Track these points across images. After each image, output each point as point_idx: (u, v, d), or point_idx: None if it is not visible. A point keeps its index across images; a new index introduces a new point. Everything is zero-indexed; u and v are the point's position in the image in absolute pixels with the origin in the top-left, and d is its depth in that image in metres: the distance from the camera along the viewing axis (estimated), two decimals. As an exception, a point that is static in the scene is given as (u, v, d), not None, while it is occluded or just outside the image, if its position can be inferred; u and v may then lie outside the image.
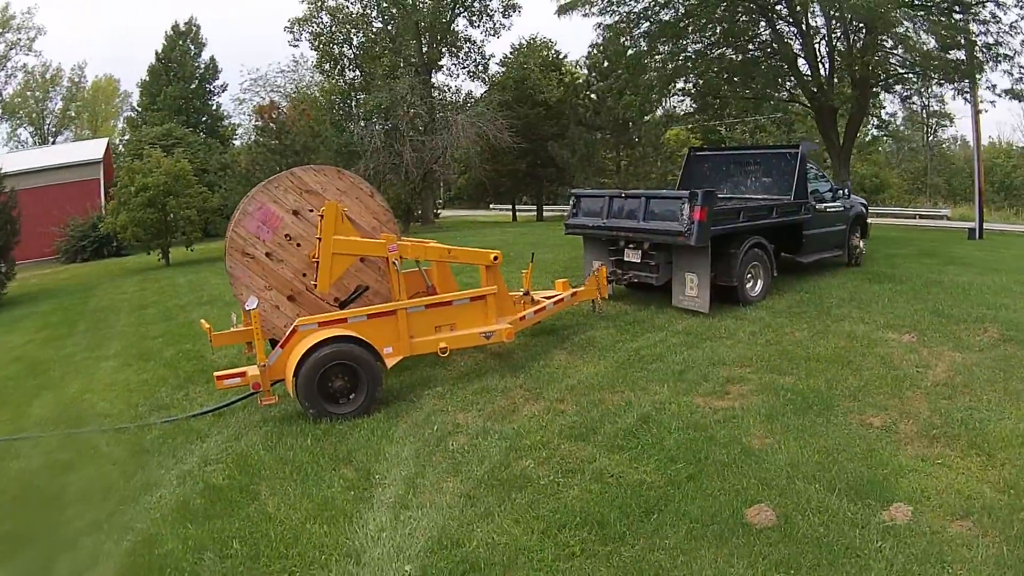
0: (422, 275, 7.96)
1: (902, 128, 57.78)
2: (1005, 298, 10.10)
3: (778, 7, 20.30)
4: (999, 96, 19.94)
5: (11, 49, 51.90)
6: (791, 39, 21.21)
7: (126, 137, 48.11)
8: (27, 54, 52.13)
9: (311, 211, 7.17)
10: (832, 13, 19.67)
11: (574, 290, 8.85)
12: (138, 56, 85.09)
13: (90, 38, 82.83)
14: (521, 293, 8.34)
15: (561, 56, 37.27)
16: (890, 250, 15.96)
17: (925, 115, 54.83)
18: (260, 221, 7.05)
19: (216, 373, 6.69)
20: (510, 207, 42.15)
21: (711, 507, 4.37)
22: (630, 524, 4.24)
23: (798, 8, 19.01)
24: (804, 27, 20.66)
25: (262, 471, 5.44)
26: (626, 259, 9.86)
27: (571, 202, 10.80)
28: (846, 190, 12.79)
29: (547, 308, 8.27)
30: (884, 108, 26.91)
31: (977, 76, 19.58)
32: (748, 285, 9.75)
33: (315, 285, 6.85)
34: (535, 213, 39.80)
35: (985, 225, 23.26)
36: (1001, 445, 5.09)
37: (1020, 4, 18.37)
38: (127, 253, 31.09)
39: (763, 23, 20.92)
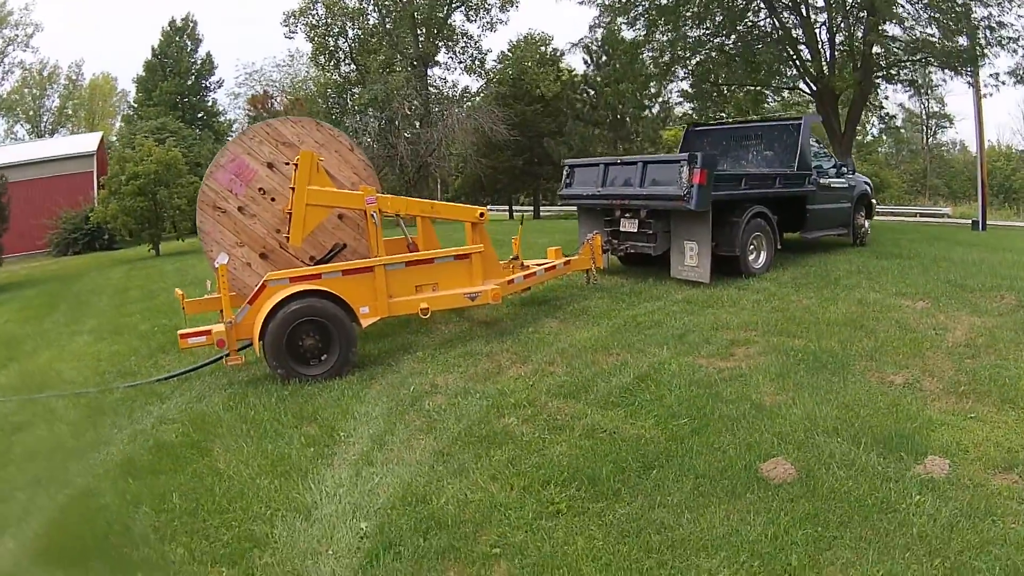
0: (403, 232, 7.45)
1: (903, 130, 57.69)
2: (1018, 270, 9.65)
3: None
4: (1002, 83, 19.58)
5: (8, 45, 51.50)
6: (792, 25, 20.77)
7: (120, 132, 47.76)
8: (24, 50, 51.61)
9: (287, 164, 6.67)
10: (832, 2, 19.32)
11: (567, 258, 8.34)
12: (136, 53, 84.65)
13: (88, 35, 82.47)
14: (511, 259, 7.84)
15: (559, 53, 36.86)
16: (895, 235, 15.49)
17: (925, 116, 54.86)
18: (233, 174, 6.55)
19: (180, 331, 6.18)
20: (507, 207, 41.65)
21: (720, 462, 3.85)
22: (626, 480, 3.72)
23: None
24: (805, 12, 20.25)
25: (218, 429, 4.93)
26: (622, 229, 9.33)
27: (565, 172, 10.29)
28: (850, 167, 12.30)
29: (537, 274, 7.76)
30: (887, 98, 26.41)
31: (979, 63, 19.19)
32: (751, 256, 9.24)
33: (287, 239, 6.34)
34: (532, 212, 39.31)
35: (989, 220, 22.90)
36: None
37: None
38: (119, 246, 30.65)
39: (762, 6, 20.45)
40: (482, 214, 7.14)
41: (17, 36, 52.00)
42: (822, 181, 11.00)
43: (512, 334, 7.00)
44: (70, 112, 61.81)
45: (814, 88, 21.31)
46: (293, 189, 6.23)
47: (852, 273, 9.36)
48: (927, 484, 3.55)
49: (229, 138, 42.37)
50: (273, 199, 6.66)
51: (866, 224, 12.63)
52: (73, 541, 3.58)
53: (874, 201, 13.86)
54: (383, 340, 7.10)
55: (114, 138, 46.98)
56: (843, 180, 11.78)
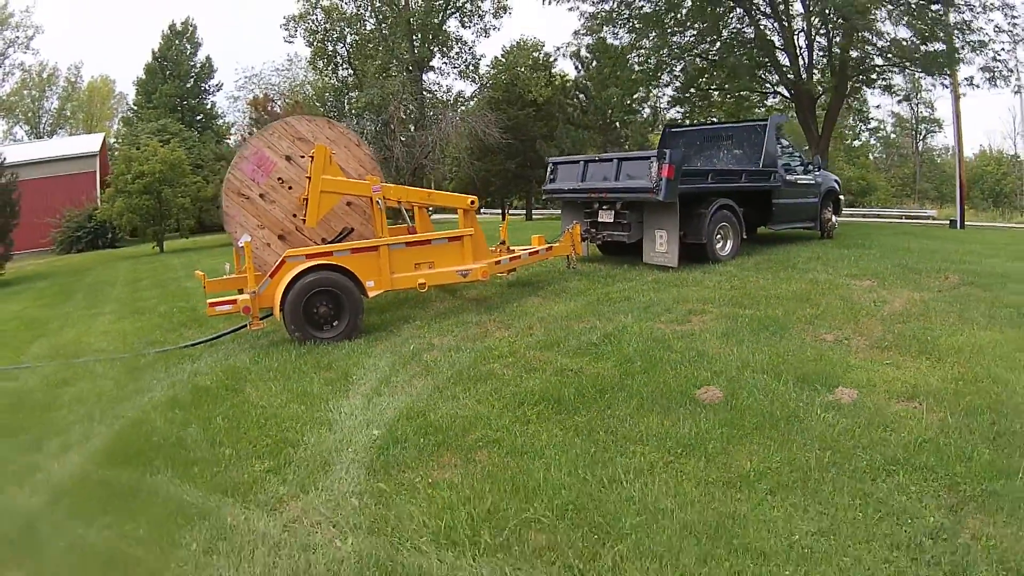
0: (404, 216, 8.39)
1: (893, 134, 58.83)
2: (971, 256, 10.66)
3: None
4: (976, 86, 20.60)
5: (9, 47, 52.24)
6: (771, 30, 21.73)
7: (118, 133, 48.56)
8: (25, 52, 52.33)
9: (302, 157, 7.59)
10: (811, 8, 20.26)
11: (549, 245, 9.28)
12: (133, 56, 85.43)
13: (86, 37, 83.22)
14: (499, 244, 8.78)
15: (552, 59, 37.84)
16: (868, 231, 16.49)
17: (915, 121, 55.91)
18: (255, 165, 7.46)
19: (208, 300, 7.09)
20: (499, 211, 42.58)
21: (662, 389, 4.78)
22: (584, 401, 4.66)
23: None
24: (783, 18, 21.22)
25: (248, 376, 5.85)
26: (600, 220, 10.30)
27: (549, 168, 11.25)
28: (818, 165, 13.26)
29: (522, 257, 8.70)
30: (878, 106, 27.62)
31: (956, 66, 20.15)
32: (718, 245, 10.20)
33: (304, 222, 7.27)
34: (525, 214, 40.24)
35: (970, 221, 23.86)
36: (952, 352, 5.46)
37: None
38: (120, 245, 31.48)
39: (741, 13, 21.40)
40: (473, 201, 8.08)
41: (18, 38, 52.78)
42: (789, 177, 11.94)
43: (499, 308, 7.93)
44: (68, 114, 62.57)
45: (792, 92, 22.35)
46: (309, 179, 7.15)
47: (811, 259, 10.30)
48: (833, 405, 4.46)
49: (228, 140, 43.32)
50: (290, 187, 7.58)
51: (833, 218, 13.59)
52: (133, 450, 4.48)
53: (842, 197, 14.83)
54: (385, 313, 8.02)
55: (112, 139, 47.79)
56: (810, 177, 12.72)
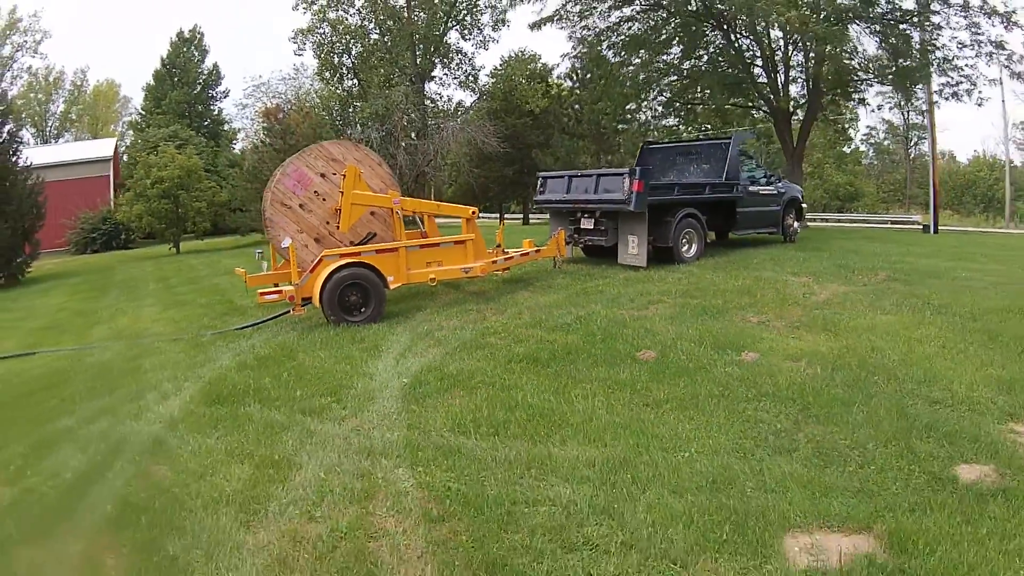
0: (418, 224, 10.09)
1: (887, 140, 60.65)
2: (910, 257, 12.41)
3: (736, 21, 22.49)
4: (945, 99, 22.31)
5: (17, 51, 53.94)
6: (748, 51, 23.34)
7: (128, 140, 50.15)
8: (33, 56, 54.09)
9: (335, 175, 9.27)
10: (789, 33, 21.95)
11: (538, 248, 10.98)
12: (137, 59, 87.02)
13: (91, 40, 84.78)
14: (495, 247, 10.48)
15: (549, 68, 39.58)
16: (838, 236, 18.25)
17: (905, 128, 57.57)
18: (296, 180, 9.14)
19: (259, 291, 8.76)
20: (498, 216, 44.31)
21: (612, 352, 6.49)
22: (554, 359, 6.35)
23: (738, 20, 20.97)
24: (763, 40, 22.85)
25: (298, 348, 7.53)
26: (582, 226, 12.02)
27: (539, 182, 12.97)
28: (779, 177, 14.97)
29: (515, 258, 10.41)
30: (849, 116, 29.11)
31: (927, 82, 21.74)
32: (683, 248, 11.90)
33: (338, 227, 8.96)
34: (522, 219, 41.98)
35: (955, 227, 25.43)
36: (849, 330, 7.09)
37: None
38: (133, 246, 33.09)
39: (719, 35, 22.99)
40: (474, 212, 9.78)
41: (26, 42, 54.48)
42: (752, 188, 13.65)
43: (495, 299, 9.63)
44: (74, 117, 64.17)
45: (768, 107, 24.08)
46: (342, 193, 8.83)
47: (764, 260, 12.00)
48: (736, 362, 6.13)
49: (235, 145, 45.00)
50: (324, 199, 9.25)
51: (795, 225, 15.30)
52: (223, 395, 6.12)
53: (804, 205, 16.56)
54: (402, 303, 9.70)
55: (120, 143, 49.38)
56: (772, 187, 14.43)
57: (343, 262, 8.54)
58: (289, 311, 8.89)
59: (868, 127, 61.62)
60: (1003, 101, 44.70)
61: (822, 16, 20.16)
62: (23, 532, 3.93)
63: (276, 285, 9.14)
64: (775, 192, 14.46)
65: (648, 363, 6.14)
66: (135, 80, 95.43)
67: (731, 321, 7.71)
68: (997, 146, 55.33)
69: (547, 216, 15.74)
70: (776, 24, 19.08)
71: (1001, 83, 30.99)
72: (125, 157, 42.03)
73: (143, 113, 48.70)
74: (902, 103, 34.78)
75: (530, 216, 40.76)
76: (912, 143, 58.98)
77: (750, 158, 14.86)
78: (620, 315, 8.10)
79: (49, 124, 61.02)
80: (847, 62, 21.75)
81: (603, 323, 7.64)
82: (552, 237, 11.29)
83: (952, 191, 57.05)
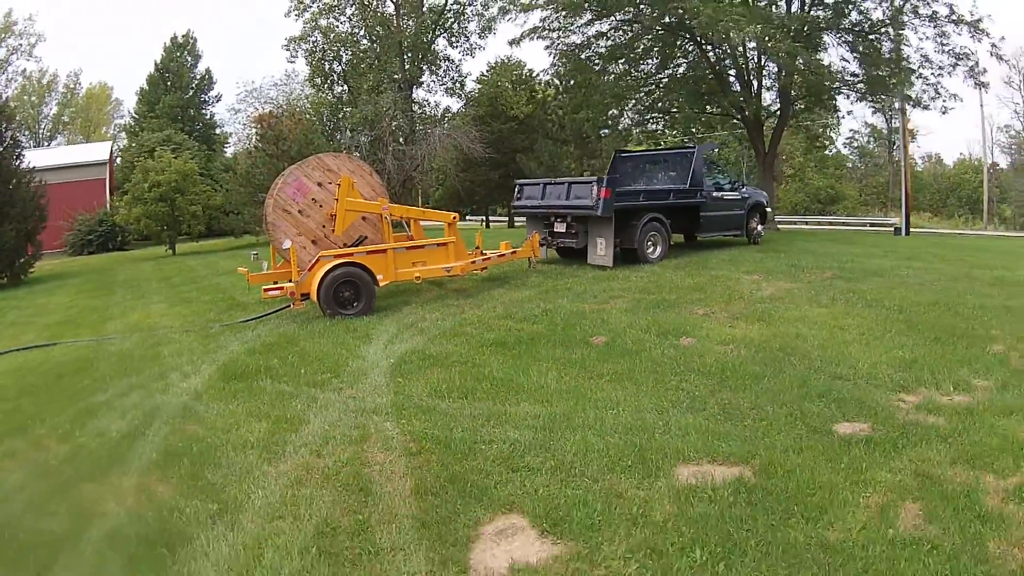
0: (405, 228, 11.18)
1: (873, 144, 62.00)
2: (861, 258, 13.55)
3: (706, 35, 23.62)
4: (912, 107, 23.59)
5: (12, 54, 54.59)
6: (723, 60, 24.46)
7: (121, 144, 50.92)
8: (27, 60, 54.72)
9: (330, 183, 10.32)
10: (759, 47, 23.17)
11: (514, 249, 12.08)
12: (126, 61, 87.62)
13: (81, 43, 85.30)
14: (475, 248, 11.57)
15: (534, 75, 40.70)
16: (804, 239, 19.45)
17: (888, 131, 58.81)
18: (295, 188, 10.19)
19: (264, 287, 9.82)
20: (483, 218, 45.43)
21: (569, 337, 7.59)
22: (519, 344, 7.45)
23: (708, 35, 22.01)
24: (735, 51, 24.00)
25: (299, 336, 8.59)
26: (555, 230, 13.15)
27: (516, 189, 14.10)
28: (743, 183, 16.14)
29: (492, 259, 11.52)
30: (814, 122, 30.30)
31: (900, 89, 22.88)
32: (648, 250, 13.03)
33: (333, 231, 10.04)
34: (507, 222, 43.12)
35: (932, 230, 26.51)
36: (782, 320, 8.18)
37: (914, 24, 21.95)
38: (129, 248, 33.95)
39: (693, 47, 24.14)
40: (455, 217, 10.88)
41: (21, 45, 55.13)
42: (716, 194, 14.80)
43: (473, 296, 10.73)
44: (67, 120, 64.82)
45: (740, 116, 25.28)
46: (337, 200, 9.90)
47: (723, 261, 13.14)
48: (673, 346, 7.23)
49: (227, 149, 45.91)
50: (321, 206, 10.30)
51: (759, 228, 16.46)
52: (237, 373, 7.17)
53: (768, 210, 17.74)
54: (390, 299, 10.77)
55: (113, 145, 50.12)
56: (736, 193, 15.59)
57: (338, 262, 9.61)
58: (289, 306, 9.96)
59: (851, 130, 63.11)
60: (981, 105, 46.34)
61: (787, 32, 21.40)
62: (84, 473, 4.97)
63: (276, 283, 10.19)
64: (739, 197, 15.61)
65: (598, 346, 7.25)
66: (126, 82, 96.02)
67: (679, 313, 8.83)
68: (982, 149, 56.53)
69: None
70: (739, 38, 20.19)
71: (980, 87, 32.42)
72: (119, 160, 42.82)
73: (136, 117, 49.51)
74: (874, 110, 35.95)
75: (515, 220, 41.91)
76: (895, 147, 59.90)
77: (715, 166, 16.01)
78: (582, 308, 9.22)
79: (42, 127, 61.63)
80: (812, 76, 22.94)
81: (566, 315, 8.76)
82: (527, 240, 12.40)
83: (937, 194, 58.35)
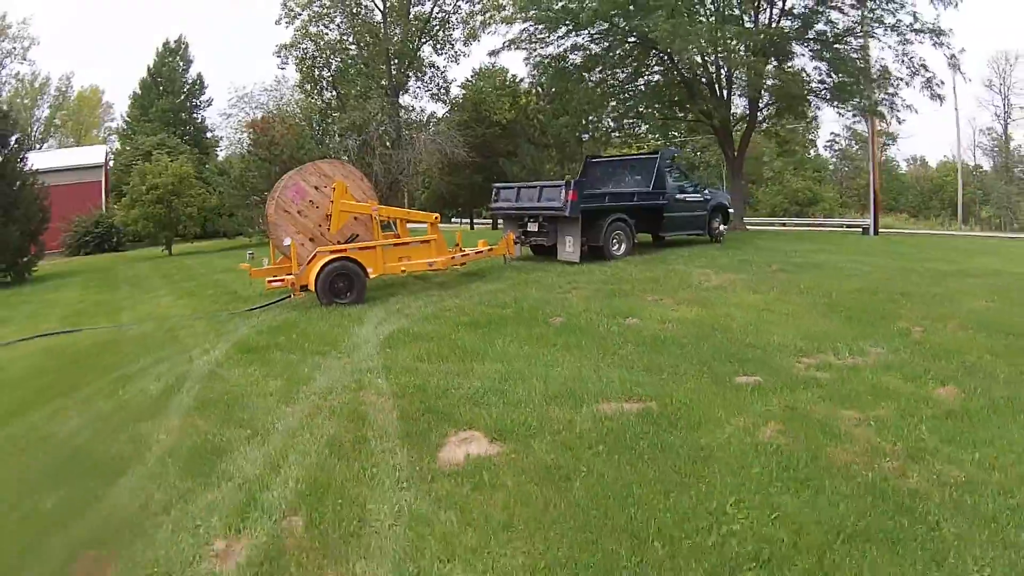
0: (392, 227, 12.52)
1: (857, 147, 63.57)
2: (812, 254, 14.99)
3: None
4: (874, 114, 25.03)
5: (6, 57, 55.30)
6: (697, 70, 25.74)
7: (113, 146, 51.83)
8: (21, 63, 55.36)
9: (326, 187, 11.62)
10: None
11: (490, 247, 13.43)
12: (116, 63, 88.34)
13: (72, 46, 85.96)
14: (455, 246, 12.90)
15: (518, 80, 42.08)
16: (767, 237, 20.91)
17: (869, 133, 60.14)
18: (295, 192, 11.48)
19: (268, 279, 11.11)
20: (468, 220, 46.72)
21: (532, 319, 8.94)
22: (489, 324, 8.77)
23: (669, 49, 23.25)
24: (704, 61, 25.30)
25: (300, 321, 9.89)
26: (529, 229, 14.53)
27: (494, 192, 15.46)
28: (705, 186, 17.59)
29: (471, 255, 12.86)
30: (784, 127, 31.55)
31: (865, 99, 24.25)
32: (613, 247, 14.41)
33: (328, 229, 11.34)
34: (491, 224, 44.46)
35: (907, 230, 27.74)
36: (718, 305, 9.55)
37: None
38: (123, 248, 35.01)
39: (664, 58, 25.38)
40: (437, 217, 12.23)
41: (15, 48, 55.84)
42: (679, 196, 16.21)
43: (452, 287, 12.06)
44: (59, 123, 65.55)
45: (710, 122, 26.67)
46: (332, 202, 11.22)
47: (682, 257, 14.55)
48: (620, 324, 8.57)
49: (218, 152, 47.01)
50: (317, 207, 11.59)
51: (721, 227, 17.88)
52: (250, 347, 8.46)
53: (731, 211, 19.17)
54: (379, 290, 12.08)
55: (106, 148, 51.03)
56: (699, 195, 16.99)
57: (333, 257, 10.93)
58: (290, 296, 11.27)
59: (832, 133, 64.78)
60: (956, 109, 47.95)
61: (754, 44, 22.87)
62: (135, 417, 6.24)
63: (274, 277, 11.47)
64: (701, 199, 17.03)
65: (555, 325, 8.61)
66: (116, 85, 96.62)
67: (631, 300, 10.19)
68: (965, 151, 57.86)
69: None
70: (694, 50, 21.46)
71: (955, 91, 34.03)
72: (112, 163, 43.76)
73: (128, 121, 50.46)
74: (839, 114, 37.21)
75: (498, 222, 43.24)
76: (880, 149, 61.16)
77: (679, 170, 17.43)
78: (547, 297, 10.58)
79: (34, 129, 62.22)
80: (780, 86, 24.37)
81: (532, 302, 10.11)
82: (503, 239, 13.76)
83: (920, 196, 60.09)
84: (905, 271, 12.83)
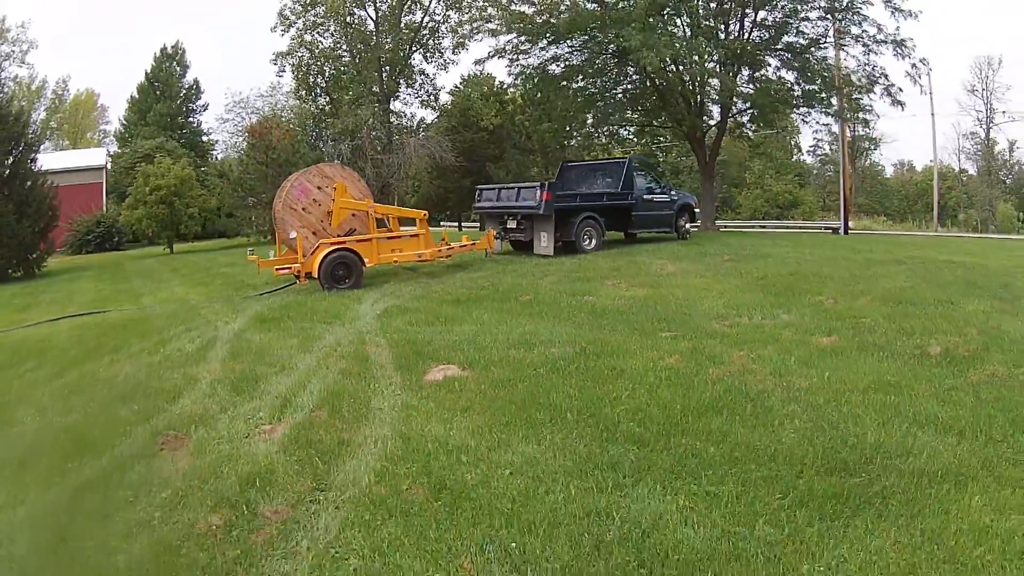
0: (386, 223, 14.13)
1: (836, 152, 65.21)
2: (764, 248, 16.57)
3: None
4: (836, 120, 26.77)
5: (4, 60, 56.40)
6: (664, 80, 27.33)
7: (110, 150, 53.15)
8: (20, 66, 56.39)
9: (327, 187, 13.20)
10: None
11: (473, 242, 15.07)
12: (111, 67, 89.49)
13: (69, 49, 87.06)
14: (441, 240, 14.52)
15: (504, 86, 43.74)
16: (732, 236, 22.61)
17: (853, 140, 61.80)
18: (300, 191, 13.06)
19: (276, 267, 12.71)
20: (456, 223, 48.34)
21: (505, 297, 10.58)
22: (469, 301, 10.40)
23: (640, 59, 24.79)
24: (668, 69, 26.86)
25: (307, 301, 11.46)
26: (508, 226, 16.18)
27: (477, 193, 17.13)
28: (671, 187, 19.29)
29: (455, 248, 14.50)
30: (752, 132, 33.10)
31: (826, 105, 25.96)
32: (584, 242, 16.07)
33: (329, 224, 12.95)
34: (479, 226, 46.08)
35: (881, 231, 29.02)
36: (666, 286, 11.11)
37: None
38: (124, 248, 36.38)
39: (635, 68, 26.95)
40: (425, 214, 13.88)
41: (13, 52, 56.93)
42: (646, 196, 17.86)
43: (439, 277, 13.68)
44: (55, 126, 66.62)
45: (683, 128, 28.23)
46: (333, 200, 12.82)
47: (646, 252, 16.15)
48: (579, 301, 10.12)
49: (212, 155, 48.43)
50: (320, 205, 13.17)
51: (687, 225, 19.48)
52: (265, 319, 10.03)
53: (697, 211, 20.85)
54: (374, 278, 13.69)
55: (106, 151, 52.31)
56: (666, 196, 18.66)
57: (334, 247, 12.54)
58: (295, 282, 12.86)
59: (815, 139, 66.50)
60: (932, 114, 49.59)
61: (719, 55, 24.62)
62: (179, 364, 7.79)
63: (277, 267, 13.05)
64: (668, 199, 18.68)
65: (525, 302, 10.25)
66: (109, 87, 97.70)
67: (593, 284, 11.82)
68: (950, 156, 58.90)
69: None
70: (658, 60, 22.87)
71: (931, 95, 35.83)
72: (109, 166, 45.06)
73: (126, 124, 51.78)
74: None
75: (485, 224, 44.82)
76: (861, 154, 62.56)
77: (648, 172, 19.09)
78: (521, 282, 12.22)
79: (31, 132, 63.10)
80: (752, 94, 26.06)
81: (507, 285, 11.76)
82: (484, 235, 15.40)
83: (904, 199, 61.75)
84: (842, 259, 14.43)
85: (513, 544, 3.13)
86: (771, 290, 10.56)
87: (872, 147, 62.49)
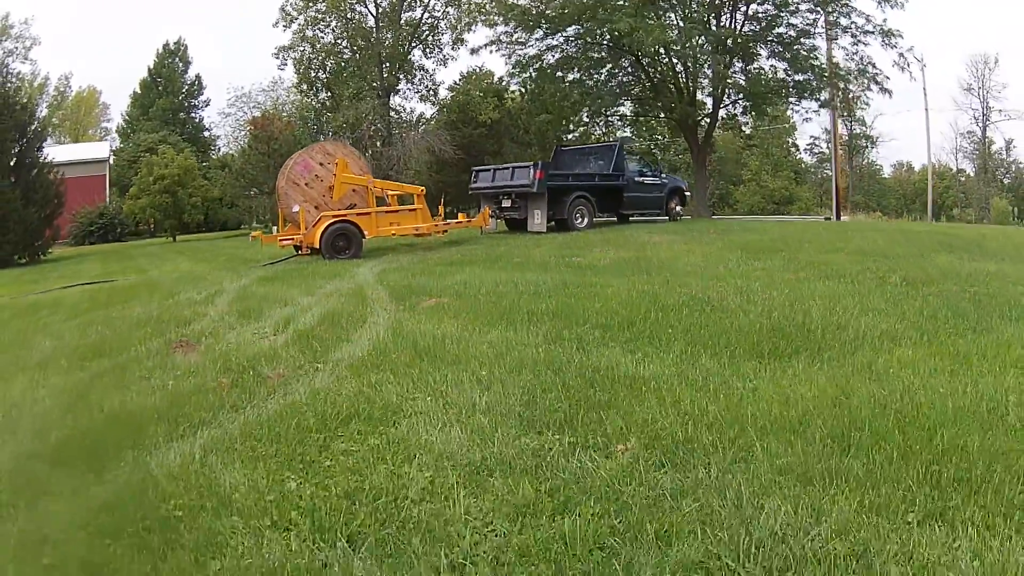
0: (384, 202, 14.72)
1: (833, 148, 65.67)
2: (750, 225, 17.25)
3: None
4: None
5: (8, 57, 56.86)
6: (657, 69, 27.84)
7: (113, 145, 53.74)
8: (23, 63, 56.90)
9: (329, 164, 13.77)
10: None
11: (469, 219, 15.66)
12: (111, 62, 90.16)
13: (69, 46, 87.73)
14: (438, 216, 15.10)
15: (502, 83, 44.32)
16: (730, 221, 23.20)
17: (848, 137, 62.37)
18: (303, 167, 13.64)
19: (279, 238, 13.28)
20: (457, 217, 48.97)
21: (500, 261, 11.16)
22: (462, 263, 11.00)
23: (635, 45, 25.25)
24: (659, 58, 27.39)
25: (310, 267, 12.06)
26: (503, 205, 16.77)
27: (472, 175, 17.72)
28: (662, 170, 19.88)
29: (452, 224, 15.09)
30: (745, 122, 33.59)
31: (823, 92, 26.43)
32: (576, 220, 16.65)
33: (331, 198, 13.52)
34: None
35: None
36: (650, 251, 11.61)
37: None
38: (126, 239, 36.93)
39: (626, 62, 27.46)
40: (423, 190, 14.45)
41: (17, 48, 57.46)
42: (637, 178, 18.45)
43: (436, 250, 14.26)
44: (57, 122, 67.17)
45: (676, 118, 28.66)
46: (335, 175, 13.40)
47: (636, 228, 16.78)
48: (568, 261, 10.72)
49: (215, 147, 49.07)
50: (321, 180, 13.74)
51: (678, 208, 20.03)
52: (271, 278, 10.61)
53: (688, 194, 21.39)
54: (373, 250, 14.27)
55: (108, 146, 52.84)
56: (657, 179, 19.24)
57: (335, 220, 13.12)
58: (296, 254, 13.44)
59: (812, 137, 66.95)
60: (926, 110, 50.03)
61: (711, 45, 25.13)
62: (194, 304, 8.35)
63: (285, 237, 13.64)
64: (659, 182, 19.27)
65: (515, 262, 10.85)
66: (110, 83, 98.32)
67: (582, 251, 12.36)
68: (947, 155, 58.81)
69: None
70: (651, 43, 23.34)
71: (924, 90, 36.27)
72: (112, 160, 45.62)
73: (128, 119, 52.36)
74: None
75: (481, 205, 45.29)
76: (858, 152, 62.99)
77: (638, 155, 19.68)
78: (513, 252, 12.79)
79: (35, 123, 63.62)
80: (732, 82, 26.54)
81: (500, 253, 12.35)
82: (480, 213, 15.99)
83: (902, 198, 62.39)
84: (823, 231, 15.09)
85: (484, 373, 3.73)
86: (750, 251, 11.16)
87: (869, 145, 62.65)
